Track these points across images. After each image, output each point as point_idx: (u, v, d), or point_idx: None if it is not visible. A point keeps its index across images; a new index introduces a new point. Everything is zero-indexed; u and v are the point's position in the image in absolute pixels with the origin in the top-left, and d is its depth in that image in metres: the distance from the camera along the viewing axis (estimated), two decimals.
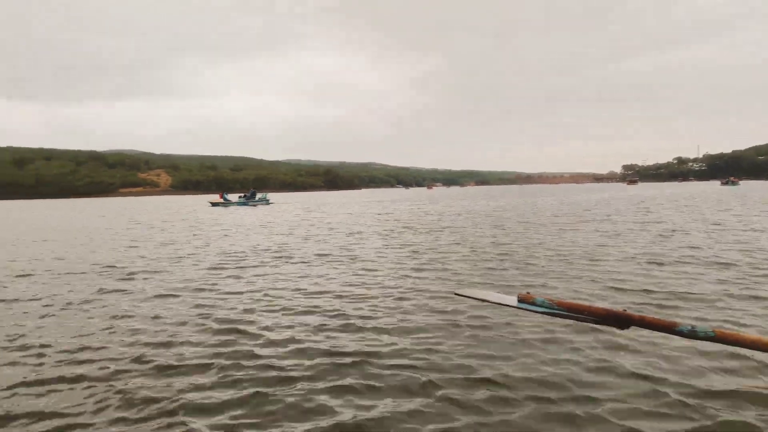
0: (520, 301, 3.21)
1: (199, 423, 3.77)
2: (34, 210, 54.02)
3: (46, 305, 7.52)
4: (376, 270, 9.82)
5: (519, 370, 4.59)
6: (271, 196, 63.00)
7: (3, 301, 7.92)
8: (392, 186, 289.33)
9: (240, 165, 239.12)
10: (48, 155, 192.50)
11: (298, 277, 9.31)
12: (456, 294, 4.02)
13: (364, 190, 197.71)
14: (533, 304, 3.07)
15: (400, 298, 7.37)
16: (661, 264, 9.44)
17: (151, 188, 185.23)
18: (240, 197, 51.80)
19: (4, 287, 9.05)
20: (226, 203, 48.92)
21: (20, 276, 10.21)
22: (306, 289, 8.17)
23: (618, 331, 4.67)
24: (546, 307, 2.97)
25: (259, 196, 52.57)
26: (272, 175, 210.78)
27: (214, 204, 49.01)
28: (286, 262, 11.09)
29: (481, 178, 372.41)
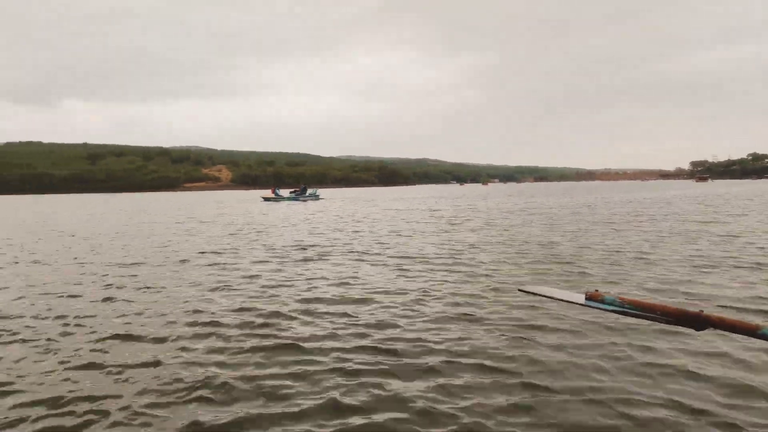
0: (587, 298, 3.06)
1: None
2: (109, 204, 56.87)
3: (148, 287, 7.97)
4: (429, 264, 9.85)
5: (587, 370, 4.42)
6: (325, 191, 63.92)
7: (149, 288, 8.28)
8: (447, 182, 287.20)
9: (296, 161, 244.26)
10: (119, 151, 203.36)
11: (343, 272, 9.23)
12: (520, 290, 3.57)
13: (417, 186, 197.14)
14: (602, 302, 2.89)
15: (457, 293, 7.30)
16: (714, 267, 8.80)
17: (213, 183, 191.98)
18: (291, 192, 52.72)
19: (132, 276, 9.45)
20: (277, 198, 49.91)
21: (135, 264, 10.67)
22: (354, 284, 8.18)
23: (694, 333, 4.43)
24: (616, 306, 2.79)
25: (309, 191, 53.16)
26: (327, 170, 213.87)
27: (266, 199, 50.07)
28: (341, 258, 11.08)
29: (540, 174, 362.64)
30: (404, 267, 9.63)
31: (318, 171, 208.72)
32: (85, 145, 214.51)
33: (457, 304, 6.69)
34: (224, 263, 10.63)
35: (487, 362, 4.66)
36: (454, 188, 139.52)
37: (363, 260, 10.67)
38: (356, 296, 7.31)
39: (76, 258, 12.05)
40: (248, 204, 45.78)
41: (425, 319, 6.08)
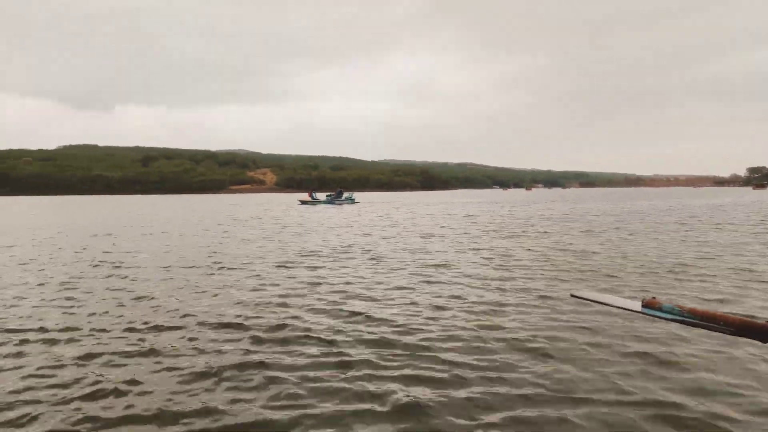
0: (644, 306, 3.00)
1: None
2: (164, 205, 58.74)
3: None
4: (460, 270, 9.72)
5: (643, 382, 4.21)
6: (366, 195, 64.17)
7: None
8: (489, 187, 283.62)
9: (339, 165, 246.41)
10: (169, 154, 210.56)
11: (373, 277, 9.11)
12: (572, 296, 3.93)
13: (459, 191, 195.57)
14: (659, 309, 2.83)
15: (505, 298, 7.25)
16: (763, 282, 8.14)
17: (257, 185, 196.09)
18: (327, 196, 53.13)
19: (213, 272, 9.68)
20: (314, 202, 50.46)
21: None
22: (397, 287, 8.19)
23: (759, 344, 4.43)
24: (674, 314, 2.77)
25: (345, 195, 53.46)
26: (369, 174, 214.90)
27: (303, 202, 50.73)
28: (375, 262, 11.06)
29: (586, 180, 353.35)
30: (434, 274, 9.38)
31: (361, 175, 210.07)
32: (138, 148, 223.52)
33: (504, 312, 6.52)
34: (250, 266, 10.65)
35: (548, 371, 4.48)
36: (495, 193, 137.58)
37: (408, 268, 10.23)
38: (400, 302, 7.14)
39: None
40: (286, 207, 46.37)
41: (478, 324, 5.95)
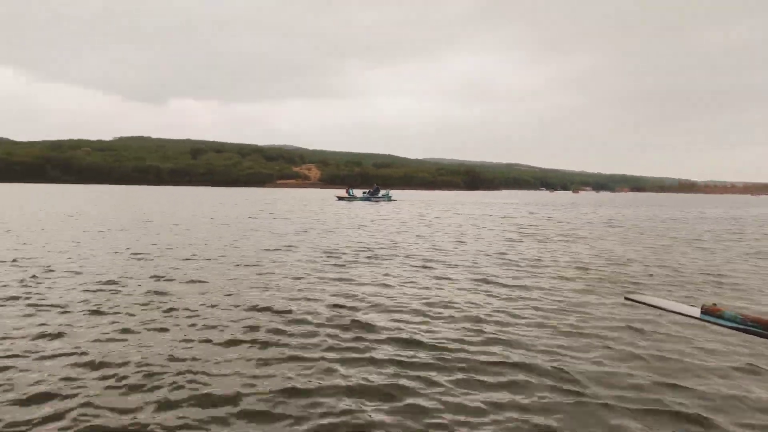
0: (703, 312, 2.90)
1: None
2: (210, 196, 60.50)
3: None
4: (488, 275, 9.49)
5: (706, 396, 4.02)
6: (408, 193, 64.02)
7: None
8: (536, 188, 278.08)
9: (384, 162, 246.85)
10: (218, 148, 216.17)
11: (415, 280, 8.88)
12: (627, 299, 3.88)
13: (504, 191, 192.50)
14: (721, 317, 2.72)
15: (562, 301, 7.22)
16: None
17: (302, 181, 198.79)
18: (364, 193, 53.42)
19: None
20: (350, 198, 50.90)
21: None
22: (441, 290, 8.10)
23: None
24: (737, 323, 2.64)
25: (381, 192, 53.40)
26: (413, 172, 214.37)
27: (340, 198, 51.31)
28: (420, 264, 10.80)
29: (637, 184, 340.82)
30: (471, 277, 9.19)
31: (404, 173, 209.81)
32: (188, 140, 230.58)
33: (559, 316, 6.40)
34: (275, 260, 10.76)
35: (604, 377, 4.33)
36: (541, 195, 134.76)
37: (451, 274, 9.72)
38: (440, 304, 7.00)
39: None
40: (324, 203, 46.84)
41: (533, 329, 5.87)
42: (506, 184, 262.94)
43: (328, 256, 11.59)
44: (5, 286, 7.75)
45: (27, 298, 6.94)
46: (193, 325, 5.90)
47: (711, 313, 2.72)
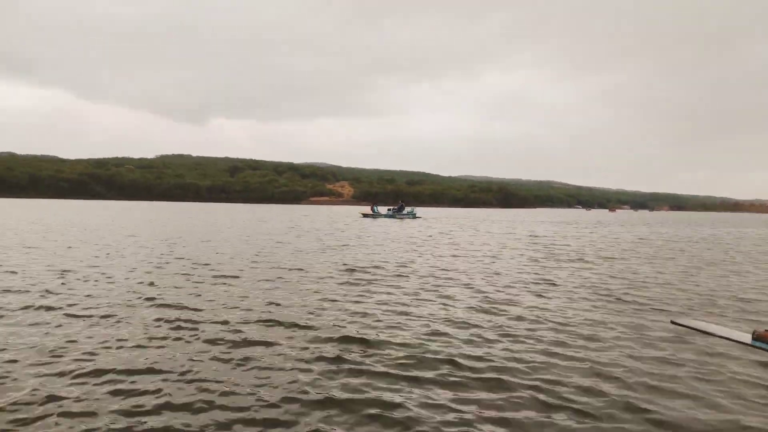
0: (755, 338, 2.76)
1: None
2: (242, 212, 62.04)
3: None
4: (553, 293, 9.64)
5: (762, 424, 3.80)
6: (437, 211, 63.95)
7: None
8: (571, 206, 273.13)
9: (415, 179, 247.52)
10: (255, 165, 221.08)
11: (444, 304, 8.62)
12: (673, 323, 3.82)
13: (538, 209, 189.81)
14: None
15: (600, 326, 7.01)
16: None
17: (335, 198, 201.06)
18: (388, 210, 53.75)
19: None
20: (375, 215, 51.42)
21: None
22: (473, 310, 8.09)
23: None
24: None
25: (406, 210, 53.57)
26: (444, 190, 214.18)
27: (365, 215, 51.91)
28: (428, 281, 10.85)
29: (677, 203, 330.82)
30: (504, 300, 8.98)
31: (435, 190, 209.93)
32: (227, 158, 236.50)
33: (601, 341, 6.24)
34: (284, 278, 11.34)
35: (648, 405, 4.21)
36: (576, 213, 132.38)
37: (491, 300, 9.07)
38: (492, 337, 6.57)
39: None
40: (351, 219, 47.40)
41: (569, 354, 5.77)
42: (540, 202, 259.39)
43: (343, 273, 12.06)
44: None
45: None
46: (218, 340, 6.18)
47: (764, 339, 2.57)
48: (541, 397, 4.55)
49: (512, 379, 4.96)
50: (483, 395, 4.61)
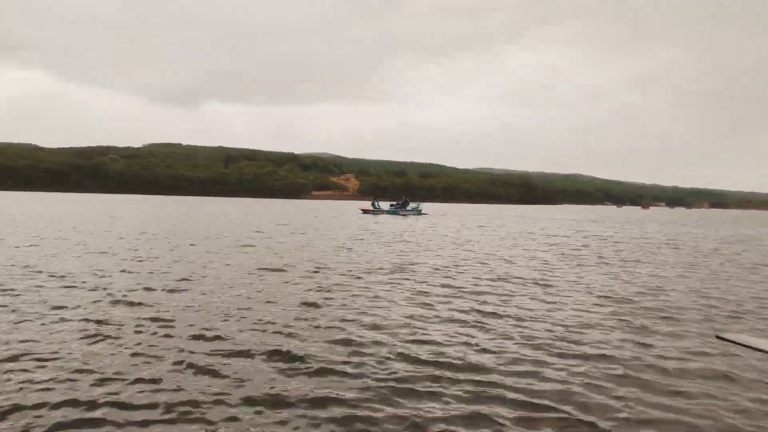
0: None
1: None
2: (234, 209, 60.99)
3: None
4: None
5: None
6: (449, 207, 62.47)
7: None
8: (601, 202, 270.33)
9: (428, 172, 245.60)
10: (251, 155, 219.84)
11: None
12: (718, 337, 3.85)
13: (564, 206, 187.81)
14: None
15: (641, 339, 6.85)
16: None
17: (340, 192, 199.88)
18: (391, 206, 52.64)
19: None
20: (376, 211, 50.05)
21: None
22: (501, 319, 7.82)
23: None
24: None
25: (411, 205, 52.45)
26: (459, 184, 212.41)
27: (365, 211, 50.55)
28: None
29: (718, 199, 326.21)
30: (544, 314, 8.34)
31: (450, 184, 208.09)
32: (221, 148, 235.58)
33: (642, 355, 6.16)
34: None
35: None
36: (606, 210, 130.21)
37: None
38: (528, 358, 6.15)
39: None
40: (350, 216, 46.06)
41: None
42: (567, 198, 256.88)
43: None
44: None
45: None
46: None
47: None
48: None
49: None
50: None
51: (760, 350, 3.28)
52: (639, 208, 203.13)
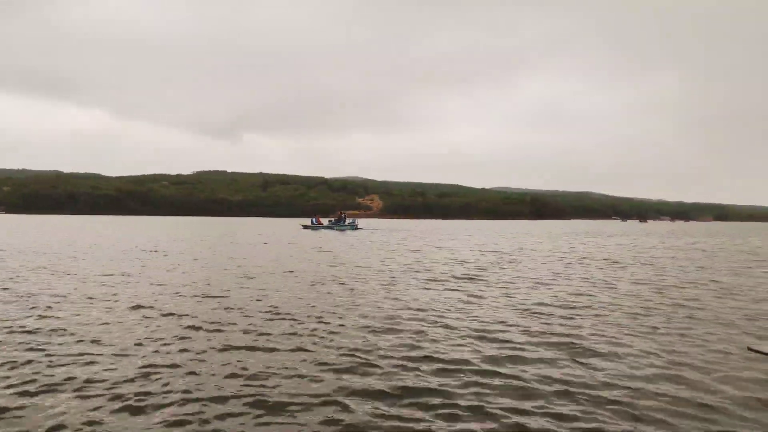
0: None
1: None
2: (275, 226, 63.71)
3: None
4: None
5: None
6: (469, 223, 63.07)
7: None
8: (609, 217, 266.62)
9: (447, 192, 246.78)
10: (285, 180, 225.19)
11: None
12: (751, 349, 3.70)
13: (573, 221, 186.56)
14: None
15: (673, 353, 6.53)
16: None
17: (365, 211, 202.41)
18: (330, 221, 55.00)
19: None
20: (314, 227, 52.35)
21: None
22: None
23: None
24: None
25: (348, 221, 54.60)
26: (475, 201, 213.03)
27: (305, 227, 52.57)
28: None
29: (721, 213, 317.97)
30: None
31: (465, 202, 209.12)
32: (260, 174, 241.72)
33: (675, 369, 5.87)
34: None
35: None
36: (607, 224, 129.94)
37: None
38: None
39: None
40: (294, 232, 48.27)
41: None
42: (576, 213, 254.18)
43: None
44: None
45: None
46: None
47: None
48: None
49: None
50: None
51: None
52: (638, 221, 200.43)
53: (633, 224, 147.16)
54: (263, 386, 5.30)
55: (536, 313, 9.26)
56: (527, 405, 4.85)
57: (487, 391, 5.19)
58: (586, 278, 14.45)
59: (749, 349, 3.30)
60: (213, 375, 5.62)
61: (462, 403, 4.89)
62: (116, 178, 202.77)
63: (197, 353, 6.42)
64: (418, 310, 9.47)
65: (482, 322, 8.46)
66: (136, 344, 6.75)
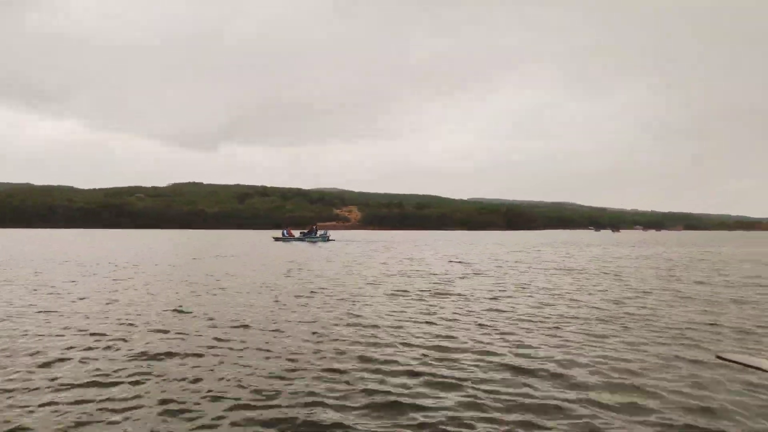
0: None
1: None
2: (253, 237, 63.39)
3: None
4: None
5: None
6: (450, 234, 63.50)
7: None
8: (584, 227, 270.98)
9: (424, 203, 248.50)
10: (264, 192, 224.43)
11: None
12: (719, 357, 3.63)
13: (546, 231, 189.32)
14: None
15: (641, 360, 6.62)
16: None
17: (342, 223, 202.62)
18: (301, 233, 55.68)
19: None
20: (286, 239, 52.87)
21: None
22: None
23: None
24: None
25: (319, 233, 55.43)
26: (450, 212, 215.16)
27: (276, 239, 53.00)
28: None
29: (692, 222, 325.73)
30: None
31: (441, 213, 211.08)
32: (237, 186, 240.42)
33: (642, 377, 5.93)
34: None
35: None
36: (578, 234, 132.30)
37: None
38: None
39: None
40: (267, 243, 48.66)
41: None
42: (552, 224, 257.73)
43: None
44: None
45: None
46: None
47: None
48: None
49: None
50: None
51: (761, 369, 2.96)
52: (610, 231, 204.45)
53: (606, 234, 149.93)
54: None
55: (490, 325, 9.24)
56: (477, 416, 4.97)
57: (434, 405, 5.25)
58: (549, 288, 14.70)
59: (717, 357, 3.35)
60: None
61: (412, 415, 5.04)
62: (89, 190, 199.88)
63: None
64: (368, 322, 9.46)
65: (436, 336, 8.37)
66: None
